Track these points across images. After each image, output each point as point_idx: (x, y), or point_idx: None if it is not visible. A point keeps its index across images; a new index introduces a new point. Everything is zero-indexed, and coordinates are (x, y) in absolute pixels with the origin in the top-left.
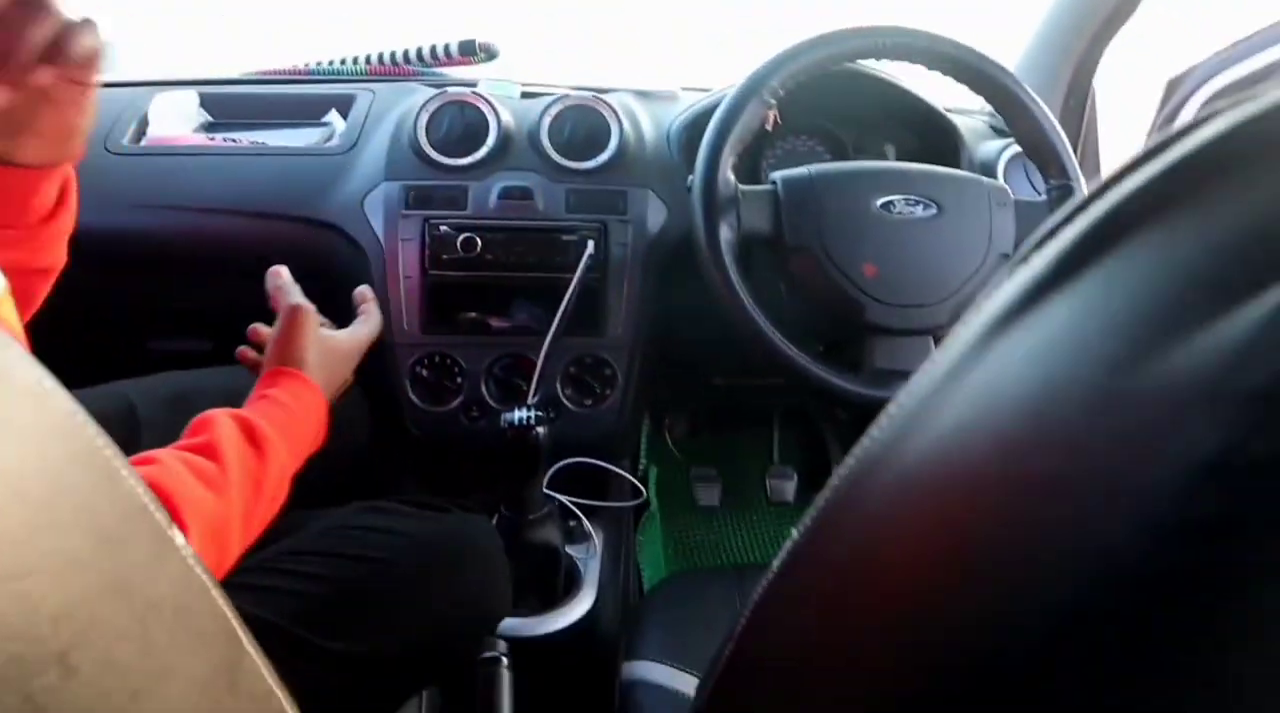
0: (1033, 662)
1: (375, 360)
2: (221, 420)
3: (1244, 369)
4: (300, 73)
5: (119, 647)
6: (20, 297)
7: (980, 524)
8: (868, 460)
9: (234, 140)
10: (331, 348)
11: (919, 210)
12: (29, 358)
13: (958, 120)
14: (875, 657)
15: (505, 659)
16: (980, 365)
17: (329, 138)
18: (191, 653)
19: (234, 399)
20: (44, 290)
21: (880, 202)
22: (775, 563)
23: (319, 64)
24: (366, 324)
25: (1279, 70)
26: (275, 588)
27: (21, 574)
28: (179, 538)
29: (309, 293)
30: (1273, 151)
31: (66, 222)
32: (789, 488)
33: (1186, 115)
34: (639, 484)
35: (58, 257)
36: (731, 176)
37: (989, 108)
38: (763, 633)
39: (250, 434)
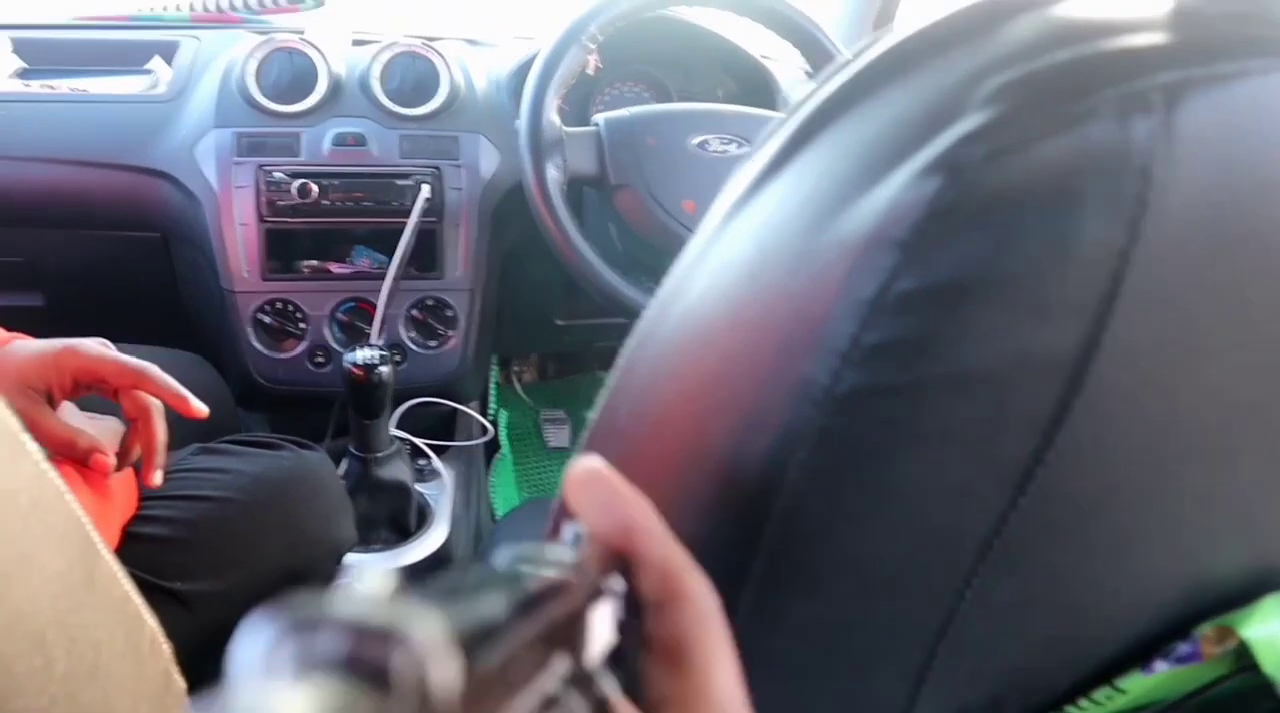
0: (764, 476)
1: (215, 308)
2: None
3: (888, 225)
4: (120, 18)
5: None
6: None
7: (717, 369)
8: (641, 336)
9: (51, 87)
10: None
11: (733, 148)
12: None
13: (773, 67)
14: (651, 495)
15: None
16: (717, 245)
17: (153, 85)
18: (49, 547)
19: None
20: None
21: (696, 141)
22: (581, 445)
23: (140, 10)
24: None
25: None
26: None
27: None
28: (30, 443)
29: (143, 243)
30: (910, 64)
31: None
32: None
33: None
34: (486, 422)
35: None
36: (556, 119)
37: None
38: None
39: None
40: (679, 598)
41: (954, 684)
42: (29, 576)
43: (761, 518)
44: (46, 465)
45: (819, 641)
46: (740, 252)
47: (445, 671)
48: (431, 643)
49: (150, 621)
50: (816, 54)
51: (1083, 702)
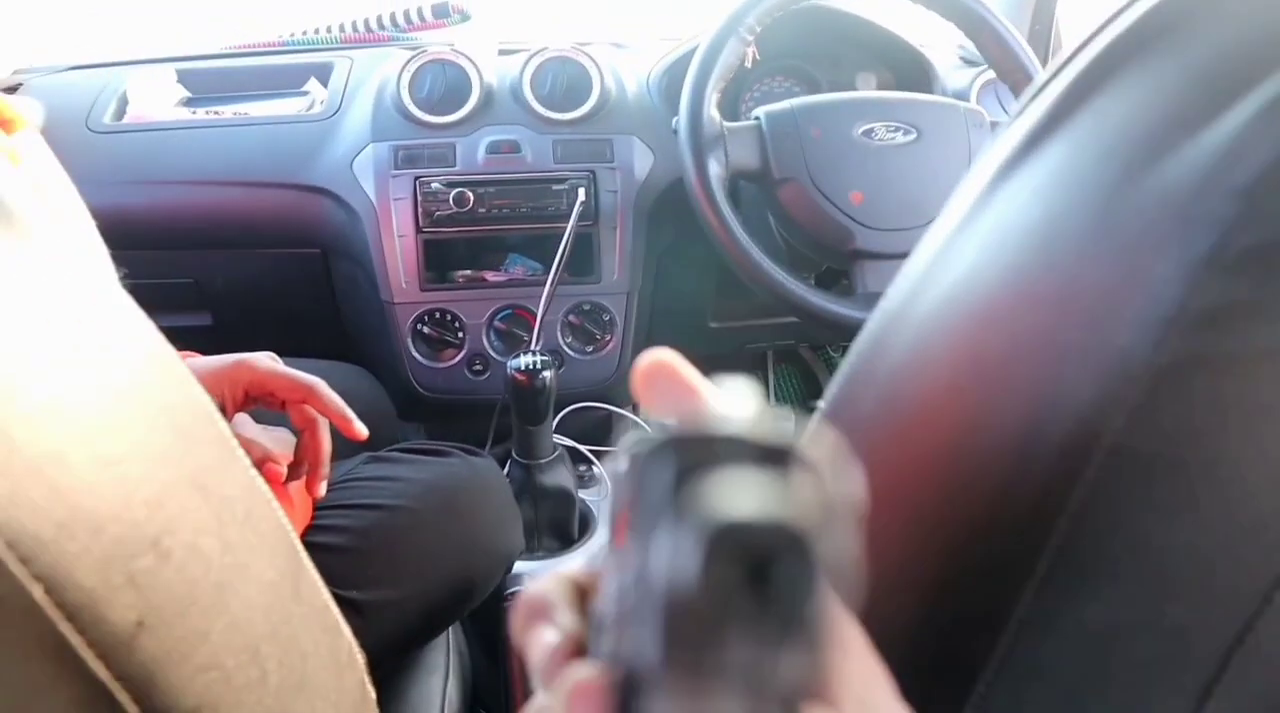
0: (1061, 464)
1: (376, 321)
2: None
3: (1227, 170)
4: (275, 44)
5: (202, 539)
6: None
7: (1002, 348)
8: (885, 320)
9: (216, 113)
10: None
11: (899, 136)
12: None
13: (928, 53)
14: (908, 498)
15: None
16: (986, 213)
17: (311, 105)
18: (262, 556)
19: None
20: None
21: (861, 129)
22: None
23: (293, 35)
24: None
25: None
26: None
27: (118, 460)
28: (240, 450)
29: (303, 259)
30: None
31: None
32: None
33: None
34: (645, 426)
35: None
36: (716, 114)
37: (959, 41)
38: None
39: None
40: None
41: (1242, 702)
42: (246, 586)
43: (1054, 511)
44: (255, 473)
45: (1098, 648)
46: (1021, 217)
47: (846, 487)
48: (827, 463)
49: (346, 631)
50: (983, 35)
51: None
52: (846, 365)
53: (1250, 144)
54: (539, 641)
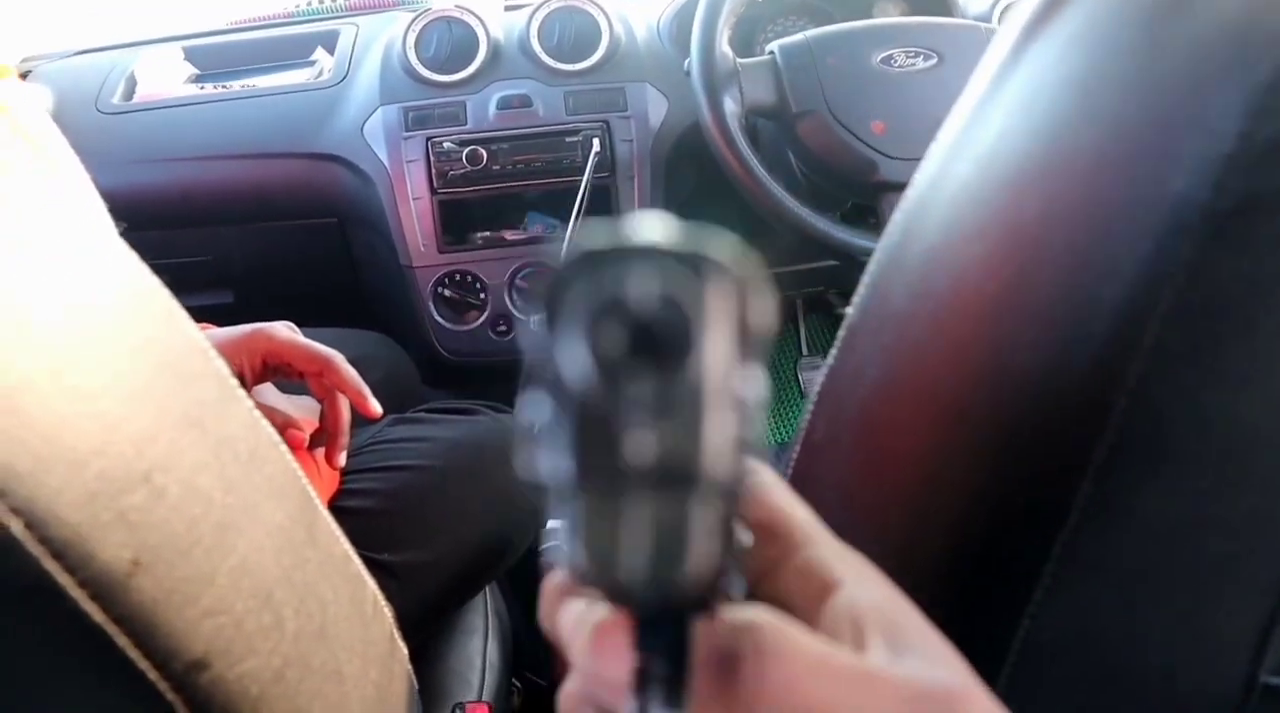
0: (1114, 336)
1: (396, 287)
2: None
3: None
4: (280, 16)
5: (200, 477)
6: None
7: (1040, 213)
8: (911, 207)
9: (225, 87)
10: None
11: (920, 62)
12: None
13: None
14: (945, 392)
15: None
16: (1014, 76)
17: (319, 74)
18: (269, 498)
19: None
20: None
21: (880, 56)
22: (833, 348)
23: (298, 6)
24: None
25: None
26: None
27: (95, 394)
28: (240, 390)
29: (320, 229)
30: None
31: None
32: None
33: None
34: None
35: None
36: (729, 51)
37: None
38: (829, 409)
39: None
40: None
41: None
42: (253, 527)
43: (1109, 390)
44: (258, 415)
45: (1165, 543)
46: (1053, 73)
47: (762, 297)
48: (747, 270)
49: (371, 582)
50: None
51: None
52: (873, 263)
53: None
54: (567, 614)
